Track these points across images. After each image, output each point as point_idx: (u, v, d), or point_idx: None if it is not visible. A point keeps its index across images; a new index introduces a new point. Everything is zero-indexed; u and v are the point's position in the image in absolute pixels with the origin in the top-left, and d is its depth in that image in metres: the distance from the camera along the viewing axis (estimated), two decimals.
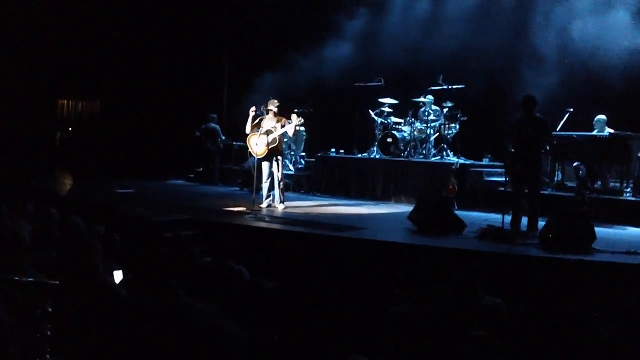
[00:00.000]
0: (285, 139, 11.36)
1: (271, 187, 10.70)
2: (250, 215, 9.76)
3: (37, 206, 6.38)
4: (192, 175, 15.44)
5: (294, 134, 11.45)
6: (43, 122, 15.69)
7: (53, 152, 15.83)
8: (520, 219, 8.62)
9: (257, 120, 10.56)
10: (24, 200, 7.11)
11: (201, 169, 15.30)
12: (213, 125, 14.68)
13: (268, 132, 10.42)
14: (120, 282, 3.84)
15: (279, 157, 10.59)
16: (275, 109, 10.54)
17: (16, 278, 3.58)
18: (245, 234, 8.61)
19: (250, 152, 10.81)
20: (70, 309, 3.45)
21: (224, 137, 14.78)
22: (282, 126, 10.47)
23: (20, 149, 14.11)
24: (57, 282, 3.63)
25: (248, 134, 10.62)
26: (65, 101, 16.62)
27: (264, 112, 10.86)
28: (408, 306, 3.64)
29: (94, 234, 4.37)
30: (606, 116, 10.91)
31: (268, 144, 10.37)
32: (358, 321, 4.44)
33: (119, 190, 12.39)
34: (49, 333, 3.27)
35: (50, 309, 3.43)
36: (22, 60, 14.12)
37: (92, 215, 6.90)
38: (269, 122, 10.51)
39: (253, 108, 10.60)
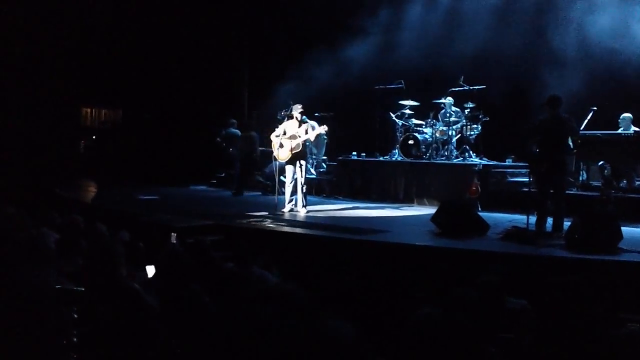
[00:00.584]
0: (307, 144, 11.41)
1: (294, 192, 10.73)
2: (273, 220, 9.79)
3: (62, 214, 6.46)
4: (214, 181, 15.51)
5: (315, 139, 11.53)
6: (67, 131, 15.90)
7: (77, 160, 16.02)
8: (546, 219, 8.51)
9: (281, 126, 10.66)
10: (49, 209, 7.21)
11: (223, 175, 15.36)
12: (233, 130, 14.69)
13: (292, 137, 10.49)
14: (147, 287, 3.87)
15: (302, 162, 10.63)
16: (299, 115, 10.61)
17: (43, 286, 3.63)
18: (269, 238, 8.62)
19: (273, 156, 10.88)
20: (96, 316, 3.48)
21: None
22: (306, 132, 10.53)
23: (44, 157, 14.30)
24: (83, 289, 3.67)
25: (272, 139, 10.71)
26: (89, 109, 16.83)
27: (285, 117, 10.96)
28: (432, 310, 3.62)
29: (118, 241, 4.41)
30: (632, 114, 10.76)
31: (292, 149, 10.46)
32: (383, 324, 4.42)
33: (142, 197, 12.49)
34: (75, 340, 3.30)
35: (76, 316, 3.47)
36: (47, 69, 14.32)
37: (115, 223, 6.97)
38: (293, 127, 10.58)
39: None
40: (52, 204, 11.21)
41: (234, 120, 14.92)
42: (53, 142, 14.86)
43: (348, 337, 2.14)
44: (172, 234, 8.02)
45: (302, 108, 10.75)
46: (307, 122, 12.70)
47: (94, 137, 16.84)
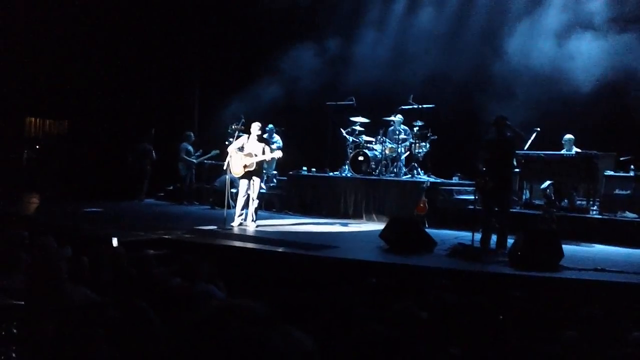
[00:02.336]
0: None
1: (244, 206, 10.69)
2: (221, 234, 9.71)
3: (3, 228, 6.27)
4: (162, 194, 15.31)
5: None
6: (9, 141, 15.43)
7: (20, 171, 15.56)
8: (490, 236, 8.70)
9: (240, 140, 10.67)
10: None
11: (172, 188, 15.19)
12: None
13: (248, 155, 10.47)
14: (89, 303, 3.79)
15: (256, 178, 10.61)
16: (259, 133, 10.61)
17: None
18: (218, 253, 8.53)
19: (225, 169, 10.83)
20: (36, 331, 3.39)
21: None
22: (263, 151, 10.52)
23: None
24: (22, 303, 3.57)
25: (229, 151, 10.67)
26: (33, 119, 16.39)
27: (236, 130, 10.98)
28: (377, 326, 3.65)
29: (61, 256, 4.31)
30: (574, 135, 11.14)
31: (246, 166, 10.45)
32: (329, 341, 4.42)
33: (87, 210, 12.22)
34: (14, 355, 3.21)
35: (15, 331, 3.37)
36: None
37: (59, 237, 6.80)
38: (251, 144, 10.56)
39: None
40: None
41: (190, 133, 14.81)
42: None
43: (309, 348, 2.14)
44: (113, 238, 7.84)
45: (261, 125, 10.76)
46: (273, 134, 12.79)
47: (37, 147, 16.38)
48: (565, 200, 10.56)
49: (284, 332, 2.23)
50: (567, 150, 11.02)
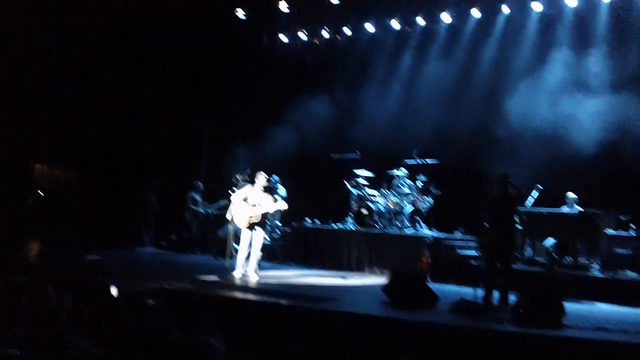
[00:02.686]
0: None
1: (247, 256, 10.67)
2: (223, 285, 9.68)
3: (5, 275, 6.27)
4: (164, 244, 15.32)
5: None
6: (16, 187, 15.53)
7: (24, 218, 15.60)
8: (492, 293, 8.66)
9: (244, 191, 10.71)
10: None
11: (175, 237, 15.21)
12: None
13: (253, 206, 10.50)
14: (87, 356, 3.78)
15: (258, 228, 10.62)
16: (264, 183, 10.66)
17: None
18: (219, 304, 8.50)
19: (229, 219, 10.85)
20: None
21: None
22: (267, 203, 10.56)
23: None
24: (19, 353, 3.57)
25: (232, 200, 10.70)
26: (41, 166, 16.53)
27: (242, 181, 11.06)
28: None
29: (62, 305, 4.31)
30: (575, 194, 11.19)
31: (250, 217, 10.45)
32: None
33: (89, 258, 12.21)
34: None
35: None
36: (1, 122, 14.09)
37: (59, 285, 6.80)
38: (257, 195, 10.60)
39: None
40: None
41: (198, 182, 14.98)
42: (0, 197, 14.48)
43: None
44: (112, 287, 7.82)
45: (265, 177, 10.80)
46: (276, 187, 12.86)
47: (42, 193, 16.47)
48: (568, 258, 10.53)
49: None
50: (569, 208, 11.05)
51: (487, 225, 8.83)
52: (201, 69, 16.30)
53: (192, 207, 14.56)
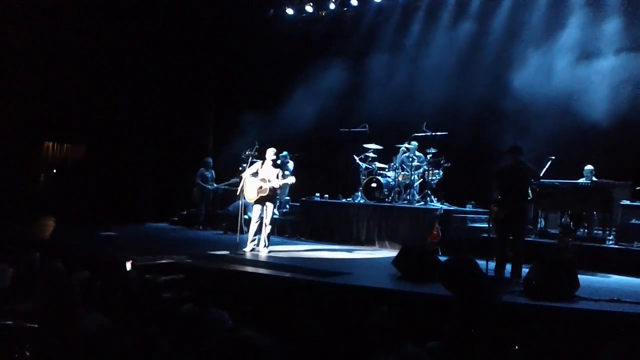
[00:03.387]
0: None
1: (257, 231, 10.69)
2: (234, 259, 9.71)
3: (19, 251, 6.30)
4: (176, 219, 15.38)
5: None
6: (28, 164, 15.59)
7: (36, 195, 15.68)
8: (505, 266, 8.62)
9: (254, 166, 10.70)
10: (7, 245, 7.02)
11: (185, 213, 15.26)
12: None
13: (262, 180, 10.50)
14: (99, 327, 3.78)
15: (269, 204, 10.62)
16: (273, 158, 10.63)
17: None
18: (229, 278, 8.53)
19: (238, 194, 10.86)
20: (48, 354, 3.39)
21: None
22: (277, 176, 10.55)
23: (3, 191, 13.96)
24: (36, 326, 3.58)
25: (243, 176, 10.70)
26: (51, 144, 16.56)
27: (250, 156, 11.08)
28: (389, 356, 3.62)
29: (75, 280, 4.32)
30: (592, 165, 11.09)
31: (260, 191, 10.47)
32: None
33: (102, 234, 12.25)
34: None
35: (28, 354, 3.38)
36: (10, 101, 14.09)
37: (73, 261, 6.82)
38: (266, 170, 10.61)
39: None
40: (9, 239, 10.91)
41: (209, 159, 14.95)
42: (13, 175, 14.53)
43: None
44: (127, 262, 7.87)
45: (275, 152, 10.79)
46: (287, 161, 12.84)
47: (54, 171, 16.54)
48: (581, 230, 10.45)
49: None
50: (587, 181, 10.93)
51: (497, 197, 8.74)
52: (208, 44, 16.19)
53: (201, 183, 14.55)
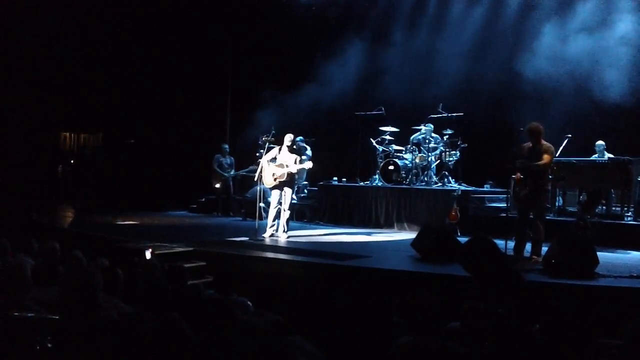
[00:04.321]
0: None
1: (276, 217, 10.72)
2: (253, 245, 9.76)
3: (39, 241, 6.38)
4: (194, 206, 15.48)
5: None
6: (45, 155, 15.76)
7: (55, 185, 15.87)
8: (524, 244, 8.58)
9: (272, 152, 10.71)
10: (27, 235, 7.12)
11: (204, 200, 15.35)
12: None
13: (280, 166, 10.53)
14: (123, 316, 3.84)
15: (287, 189, 10.65)
16: (290, 143, 10.65)
17: (16, 314, 3.57)
18: (250, 264, 8.58)
19: (256, 180, 10.88)
20: (70, 344, 3.43)
21: None
22: (295, 162, 10.56)
23: (22, 182, 14.14)
24: (57, 317, 3.62)
25: (261, 162, 10.72)
26: (68, 134, 16.72)
27: (267, 142, 11.10)
28: (413, 338, 3.63)
29: (97, 268, 4.37)
30: (606, 141, 10.97)
31: (278, 177, 10.51)
32: (364, 350, 4.42)
33: (121, 223, 12.39)
34: None
35: (50, 345, 3.42)
36: (26, 93, 14.23)
37: (94, 249, 6.91)
38: (283, 155, 10.62)
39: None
40: (29, 229, 11.09)
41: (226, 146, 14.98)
42: (31, 166, 14.71)
43: None
44: (146, 250, 7.96)
45: (292, 137, 10.77)
46: (303, 146, 12.85)
47: (72, 161, 16.72)
48: (600, 207, 10.37)
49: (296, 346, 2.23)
50: (599, 157, 10.84)
51: (520, 176, 8.66)
52: (223, 30, 16.18)
53: (218, 170, 14.61)
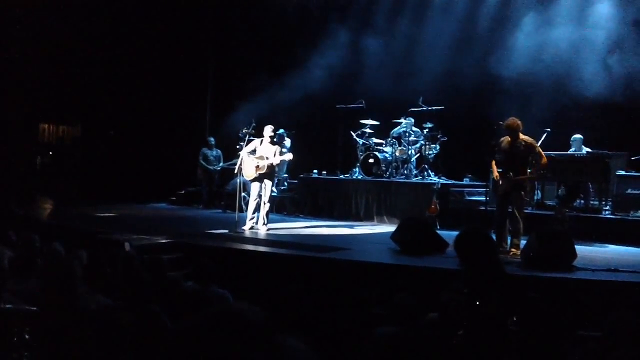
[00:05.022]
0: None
1: (256, 209, 10.70)
2: (233, 238, 9.74)
3: (18, 233, 6.31)
4: (174, 198, 15.39)
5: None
6: (24, 147, 15.56)
7: (34, 176, 15.68)
8: (505, 238, 8.66)
9: (252, 144, 10.66)
10: (5, 227, 7.03)
11: (184, 192, 15.28)
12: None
13: (260, 158, 10.49)
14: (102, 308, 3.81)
15: (268, 181, 10.62)
16: (271, 135, 10.61)
17: None
18: (229, 256, 8.56)
19: (236, 172, 10.84)
20: (48, 337, 3.41)
21: None
22: (275, 154, 10.53)
23: (0, 174, 13.95)
24: (35, 309, 3.59)
25: (241, 154, 10.67)
26: (47, 125, 16.52)
27: (247, 134, 11.05)
28: (392, 328, 3.65)
29: (76, 260, 4.34)
30: (585, 135, 11.09)
31: (258, 169, 10.46)
32: (343, 342, 4.43)
33: (100, 215, 12.29)
34: None
35: (27, 337, 3.39)
36: (4, 84, 14.03)
37: (73, 241, 6.84)
38: (263, 147, 10.58)
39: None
40: (8, 221, 10.93)
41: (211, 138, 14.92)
42: (9, 158, 14.51)
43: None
44: (125, 242, 7.91)
45: (273, 129, 10.75)
46: (284, 138, 12.80)
47: (50, 152, 16.52)
48: (578, 200, 10.49)
49: (279, 342, 2.24)
50: (576, 150, 10.96)
51: (498, 170, 8.73)
52: (203, 22, 16.07)
53: (203, 163, 14.57)
